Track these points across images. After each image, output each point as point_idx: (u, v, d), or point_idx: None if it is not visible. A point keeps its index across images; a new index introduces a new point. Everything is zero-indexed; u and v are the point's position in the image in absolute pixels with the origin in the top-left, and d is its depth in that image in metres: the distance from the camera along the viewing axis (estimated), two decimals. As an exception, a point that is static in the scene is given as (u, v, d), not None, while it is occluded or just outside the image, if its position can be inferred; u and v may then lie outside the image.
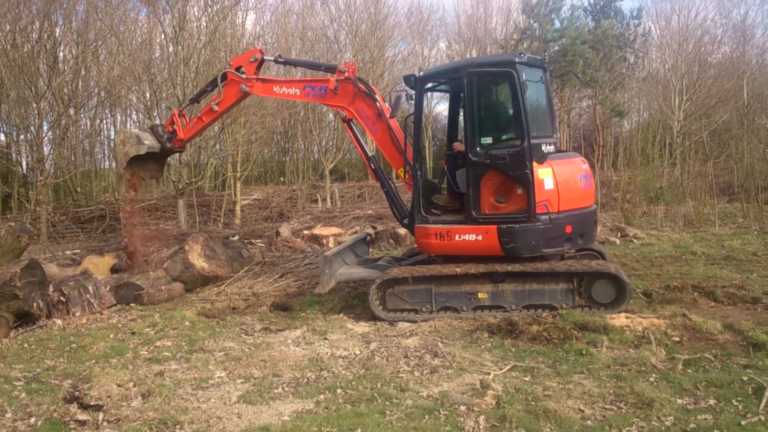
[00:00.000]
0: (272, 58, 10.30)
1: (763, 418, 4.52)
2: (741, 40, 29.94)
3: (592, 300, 7.51)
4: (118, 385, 5.39)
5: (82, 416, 4.92)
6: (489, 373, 5.66)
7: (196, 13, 17.76)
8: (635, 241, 13.08)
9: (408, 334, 7.14)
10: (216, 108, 9.91)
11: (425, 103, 8.17)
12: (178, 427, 4.76)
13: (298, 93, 9.51)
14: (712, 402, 4.88)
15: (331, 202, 22.52)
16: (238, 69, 9.70)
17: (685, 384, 5.22)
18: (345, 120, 9.08)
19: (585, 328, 6.75)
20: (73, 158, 23.41)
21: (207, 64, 16.98)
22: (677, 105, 25.57)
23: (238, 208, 19.87)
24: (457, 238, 7.71)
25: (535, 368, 5.83)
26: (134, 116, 24.22)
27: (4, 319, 7.42)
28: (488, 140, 7.83)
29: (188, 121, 10.38)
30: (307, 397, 5.30)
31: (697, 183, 18.32)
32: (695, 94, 25.87)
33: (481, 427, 4.61)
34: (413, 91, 8.31)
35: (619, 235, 13.94)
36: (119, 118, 26.24)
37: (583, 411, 4.83)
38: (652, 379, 5.39)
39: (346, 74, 8.86)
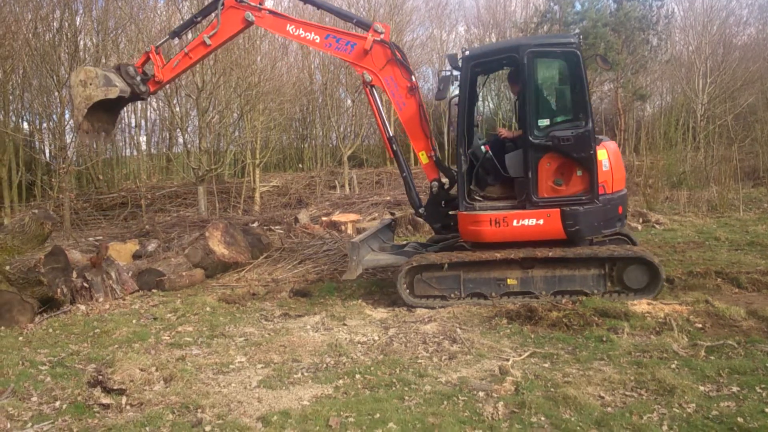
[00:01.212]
0: None
1: (787, 406, 4.45)
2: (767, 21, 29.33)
3: (624, 285, 7.41)
4: (141, 370, 5.44)
5: (105, 400, 4.98)
6: (508, 360, 5.64)
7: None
8: (657, 226, 12.94)
9: (426, 320, 7.14)
10: (209, 42, 8.60)
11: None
12: (199, 410, 4.81)
13: (318, 41, 8.48)
14: (735, 389, 4.81)
15: (350, 189, 22.54)
16: None
17: (707, 371, 5.16)
18: (368, 84, 8.43)
19: (606, 315, 6.68)
20: (94, 146, 23.62)
21: (225, 51, 17.01)
22: (701, 88, 25.14)
23: (257, 194, 19.98)
24: (515, 223, 7.50)
25: (554, 355, 5.79)
26: (154, 103, 24.35)
27: (29, 304, 7.55)
28: (545, 122, 7.60)
29: (163, 60, 8.96)
30: (326, 382, 5.33)
31: (721, 167, 18.04)
32: (720, 77, 25.40)
33: (500, 413, 4.59)
34: (457, 72, 7.93)
35: (641, 220, 13.79)
36: (139, 105, 26.41)
37: (603, 397, 4.79)
38: (673, 365, 5.33)
39: (383, 36, 8.22)
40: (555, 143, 7.35)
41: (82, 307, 8.00)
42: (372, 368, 5.61)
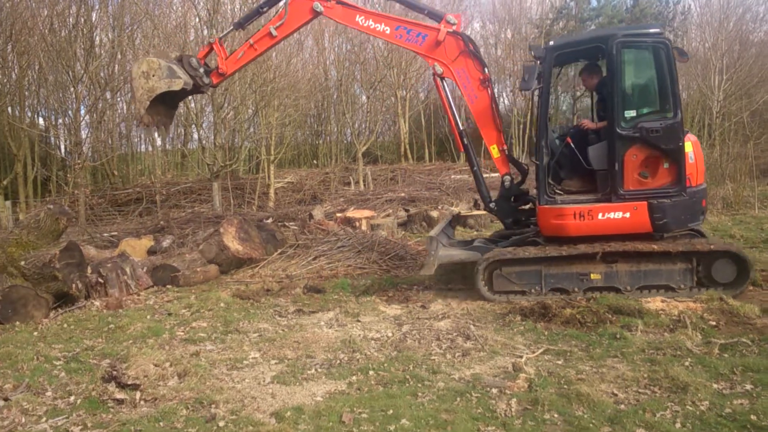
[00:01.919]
0: None
1: (802, 405, 4.42)
2: (785, 16, 28.98)
3: (711, 280, 7.32)
4: (155, 365, 5.50)
5: (119, 395, 5.04)
6: (521, 356, 5.64)
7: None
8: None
9: (440, 316, 7.15)
10: (275, 33, 8.45)
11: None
12: (213, 406, 4.85)
13: (388, 32, 8.35)
14: (748, 387, 4.79)
15: (364, 185, 22.57)
16: None
17: (721, 368, 5.13)
18: (439, 76, 8.29)
19: (619, 312, 6.66)
20: (110, 142, 23.85)
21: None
22: (717, 85, 24.90)
23: (271, 190, 20.06)
24: (600, 216, 7.40)
25: (568, 352, 5.78)
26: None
27: (44, 299, 7.64)
28: (632, 113, 7.47)
29: (226, 52, 8.79)
30: (339, 379, 5.35)
31: (737, 165, 17.89)
32: (736, 74, 25.14)
33: (513, 409, 4.59)
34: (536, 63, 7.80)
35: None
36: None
37: (616, 395, 4.78)
38: (687, 363, 5.31)
39: (455, 27, 8.09)
40: (643, 135, 7.24)
41: (97, 303, 8.09)
42: (385, 364, 5.63)
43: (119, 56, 21.21)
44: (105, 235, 13.74)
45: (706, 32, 27.82)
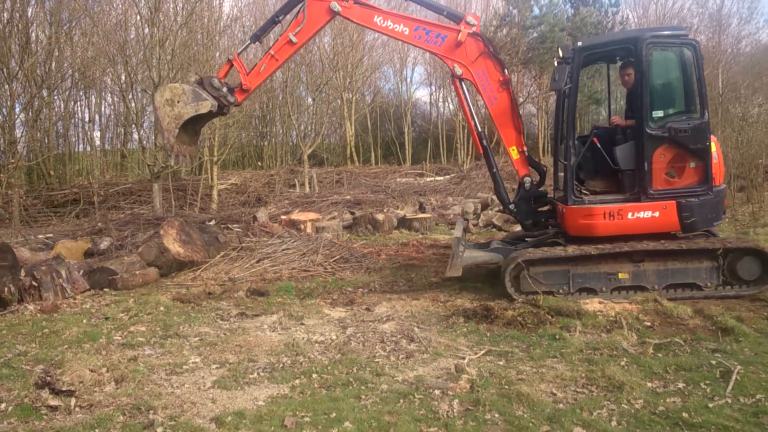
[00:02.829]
0: None
1: (729, 401, 4.61)
2: (717, 29, 30.25)
3: (736, 278, 7.46)
4: (91, 371, 5.33)
5: (53, 402, 4.86)
6: (464, 358, 5.70)
7: (173, -5, 17.52)
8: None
9: (385, 319, 7.16)
10: (295, 39, 8.31)
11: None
12: (151, 412, 4.73)
13: (407, 33, 8.31)
14: (681, 385, 4.97)
15: (310, 188, 22.46)
16: None
17: (655, 368, 5.31)
18: (458, 78, 8.31)
19: (559, 313, 6.81)
20: (46, 141, 23.03)
21: (183, 46, 16.78)
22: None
23: (214, 192, 19.75)
24: (629, 216, 7.48)
25: (509, 352, 5.88)
26: (109, 98, 23.86)
27: (-25, 304, 7.31)
28: (660, 113, 7.57)
29: (245, 67, 8.60)
30: (282, 382, 5.30)
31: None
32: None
33: (455, 410, 4.64)
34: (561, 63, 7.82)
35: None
36: (93, 100, 25.85)
37: (555, 394, 4.89)
38: (623, 362, 5.47)
39: (475, 28, 8.11)
40: (672, 134, 7.38)
41: (31, 307, 7.78)
42: (329, 367, 5.60)
43: (56, 53, 20.52)
44: (40, 237, 13.23)
45: (642, 42, 28.80)
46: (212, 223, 13.93)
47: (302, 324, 7.10)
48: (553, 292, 7.59)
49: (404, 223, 14.40)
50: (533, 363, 5.58)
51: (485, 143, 8.61)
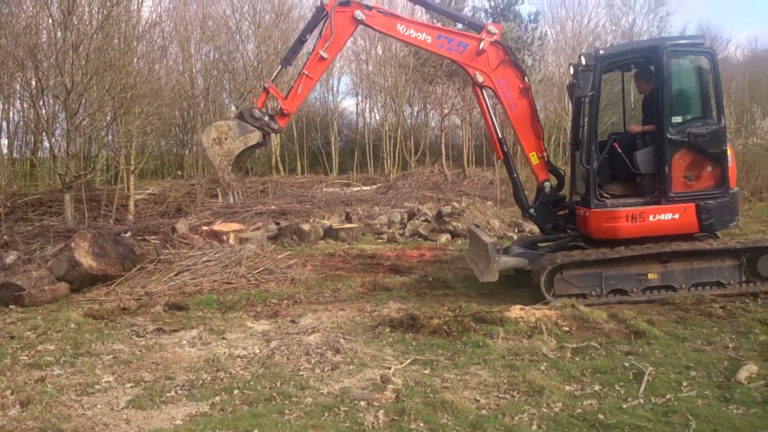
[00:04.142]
0: None
1: (642, 401, 4.80)
2: (629, 45, 31.64)
3: (757, 275, 7.78)
4: (-6, 394, 5.00)
5: (-50, 429, 4.52)
6: (390, 368, 5.68)
7: (88, -3, 16.83)
8: (530, 236, 13.53)
9: (310, 330, 7.06)
10: (326, 54, 8.35)
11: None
12: (60, 435, 4.46)
13: (429, 41, 8.39)
14: (597, 388, 5.13)
15: (233, 198, 22.00)
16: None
17: (573, 371, 5.46)
18: (478, 85, 8.47)
19: (482, 321, 6.90)
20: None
21: (99, 51, 16.13)
22: (571, 107, 26.68)
23: (131, 203, 19.04)
24: (651, 218, 7.72)
25: (434, 361, 5.90)
26: (18, 104, 22.68)
27: None
28: (678, 119, 7.82)
29: (279, 92, 8.64)
30: (201, 400, 5.12)
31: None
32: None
33: (380, 421, 4.60)
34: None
35: (516, 230, 14.45)
36: (0, 106, 24.48)
37: (478, 401, 4.93)
38: (543, 367, 5.60)
39: (496, 37, 8.33)
40: (691, 139, 7.64)
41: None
42: (251, 383, 5.46)
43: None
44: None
45: (561, 57, 29.78)
46: (128, 234, 13.40)
47: (224, 338, 6.90)
48: (585, 295, 7.80)
49: (330, 233, 14.32)
50: (458, 370, 5.63)
51: (506, 149, 8.84)
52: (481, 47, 8.30)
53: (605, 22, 32.77)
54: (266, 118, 8.52)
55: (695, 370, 5.45)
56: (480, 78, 8.45)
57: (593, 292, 7.83)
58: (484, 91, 8.68)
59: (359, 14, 8.32)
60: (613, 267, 7.83)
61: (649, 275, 7.82)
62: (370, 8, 8.46)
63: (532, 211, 8.78)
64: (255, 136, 8.45)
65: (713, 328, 6.67)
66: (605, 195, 8.08)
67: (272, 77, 9.00)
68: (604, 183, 8.25)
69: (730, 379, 5.21)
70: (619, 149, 8.21)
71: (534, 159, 8.65)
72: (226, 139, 8.36)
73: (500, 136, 8.82)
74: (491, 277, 8.13)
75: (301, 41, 9.02)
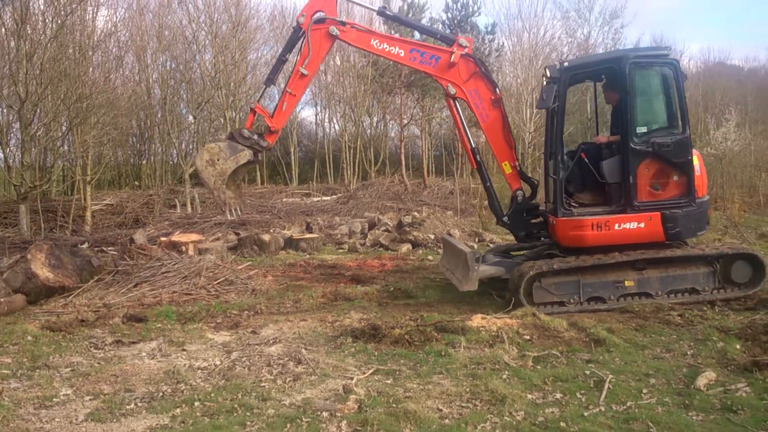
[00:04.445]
0: (374, 8, 9.85)
1: (603, 409, 4.89)
2: (584, 58, 32.39)
3: (730, 281, 7.94)
4: (-56, 410, 4.85)
5: None
6: (352, 378, 5.68)
7: (41, 6, 16.51)
8: (491, 245, 13.71)
9: (271, 341, 7.02)
10: (306, 71, 8.61)
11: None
12: (15, 452, 4.35)
13: (402, 55, 8.69)
14: (558, 396, 5.21)
15: (192, 208, 21.74)
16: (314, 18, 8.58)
17: (534, 380, 5.54)
18: (451, 96, 8.71)
19: (444, 330, 6.96)
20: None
21: (53, 60, 15.81)
22: (528, 117, 27.14)
23: (88, 213, 18.68)
24: (616, 227, 7.79)
25: (397, 371, 5.92)
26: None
27: None
28: (643, 129, 7.90)
29: (267, 111, 8.99)
30: (161, 412, 5.05)
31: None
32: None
33: (343, 432, 4.61)
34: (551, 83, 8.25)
35: (476, 240, 14.61)
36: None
37: (441, 410, 4.97)
38: (505, 376, 5.67)
39: (467, 50, 8.56)
40: (655, 149, 7.75)
41: None
42: (212, 394, 5.40)
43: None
44: None
45: (518, 68, 30.29)
46: (85, 246, 13.14)
47: (184, 350, 6.82)
48: (564, 302, 7.90)
49: (291, 243, 14.26)
50: (420, 380, 5.66)
51: (478, 158, 9.06)
52: (452, 60, 8.50)
53: (561, 33, 33.45)
54: (255, 137, 8.80)
55: (655, 378, 5.58)
56: (452, 90, 8.66)
57: (571, 300, 7.96)
58: (456, 103, 8.90)
59: (334, 30, 8.55)
60: (590, 275, 7.96)
61: (626, 282, 7.98)
62: (344, 23, 8.75)
63: (505, 219, 8.95)
64: (245, 155, 8.72)
65: (672, 336, 6.82)
66: (573, 204, 8.24)
67: (258, 98, 9.24)
68: (575, 192, 8.42)
69: (689, 386, 5.33)
70: (586, 159, 8.39)
71: (507, 168, 8.83)
72: (218, 160, 8.67)
73: (473, 145, 9.02)
74: (471, 286, 8.21)
75: (282, 60, 9.25)
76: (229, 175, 8.73)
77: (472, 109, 8.76)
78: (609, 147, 8.33)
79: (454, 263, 9.05)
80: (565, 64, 8.33)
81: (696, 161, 8.11)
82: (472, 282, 8.19)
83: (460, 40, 8.67)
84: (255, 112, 9.04)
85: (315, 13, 8.60)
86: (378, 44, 8.77)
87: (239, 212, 9.49)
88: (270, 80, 9.32)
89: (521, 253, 9.29)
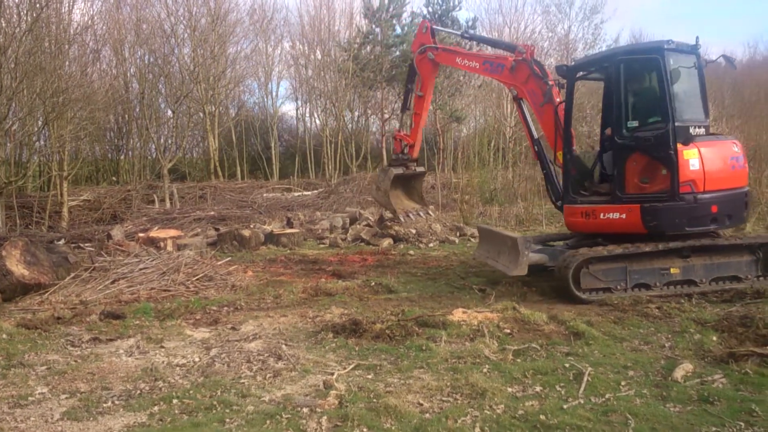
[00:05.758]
0: (457, 31, 13.68)
1: (582, 401, 4.91)
2: (565, 52, 32.56)
3: None
4: None
5: None
6: (333, 373, 5.65)
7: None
8: (473, 239, 13.77)
9: (251, 337, 6.96)
10: (421, 93, 11.54)
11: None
12: (-11, 452, 4.28)
13: (478, 66, 10.57)
14: (538, 389, 5.23)
15: (170, 203, 21.55)
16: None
17: (514, 373, 5.55)
18: (516, 98, 10.04)
19: (425, 325, 6.95)
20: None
21: (28, 54, 15.55)
22: (509, 112, 27.23)
23: (65, 209, 18.44)
24: (601, 216, 8.20)
25: (377, 366, 5.91)
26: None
27: None
28: (634, 124, 8.09)
29: (402, 133, 12.44)
30: (139, 410, 4.98)
31: (527, 185, 19.71)
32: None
33: (323, 427, 4.58)
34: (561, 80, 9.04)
35: (458, 234, 14.63)
36: None
37: (422, 404, 4.96)
38: (485, 369, 5.68)
39: (524, 56, 9.57)
40: (638, 143, 7.94)
41: None
42: (191, 391, 5.34)
43: None
44: None
45: (498, 64, 30.42)
46: (62, 242, 12.95)
47: (162, 347, 6.74)
48: (611, 289, 8.01)
49: (272, 238, 14.19)
50: (401, 375, 5.65)
51: (537, 147, 9.85)
52: (512, 66, 9.74)
53: (541, 28, 33.75)
54: (401, 155, 12.51)
55: (633, 370, 5.62)
56: (515, 91, 9.97)
57: (618, 287, 8.07)
58: (522, 102, 10.03)
59: (430, 54, 11.28)
60: (637, 261, 8.08)
61: (672, 270, 8.11)
62: (437, 48, 11.47)
63: (559, 203, 9.29)
64: (390, 173, 12.34)
65: (650, 328, 6.88)
66: (583, 192, 8.70)
67: (398, 126, 13.19)
68: (599, 182, 8.82)
69: (667, 378, 5.38)
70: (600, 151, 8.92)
71: (561, 157, 9.25)
72: (379, 186, 12.47)
73: (536, 137, 9.85)
74: (521, 271, 8.44)
75: (408, 90, 12.33)
76: (391, 189, 12.68)
77: (531, 105, 9.71)
78: (609, 140, 8.64)
79: (496, 250, 9.35)
80: (572, 63, 9.12)
81: (694, 155, 8.04)
82: (521, 267, 8.42)
83: (519, 47, 9.85)
84: (400, 138, 12.47)
85: (420, 47, 11.40)
86: (461, 60, 11.02)
87: (412, 218, 13.06)
88: (404, 108, 12.47)
89: (562, 243, 9.62)
